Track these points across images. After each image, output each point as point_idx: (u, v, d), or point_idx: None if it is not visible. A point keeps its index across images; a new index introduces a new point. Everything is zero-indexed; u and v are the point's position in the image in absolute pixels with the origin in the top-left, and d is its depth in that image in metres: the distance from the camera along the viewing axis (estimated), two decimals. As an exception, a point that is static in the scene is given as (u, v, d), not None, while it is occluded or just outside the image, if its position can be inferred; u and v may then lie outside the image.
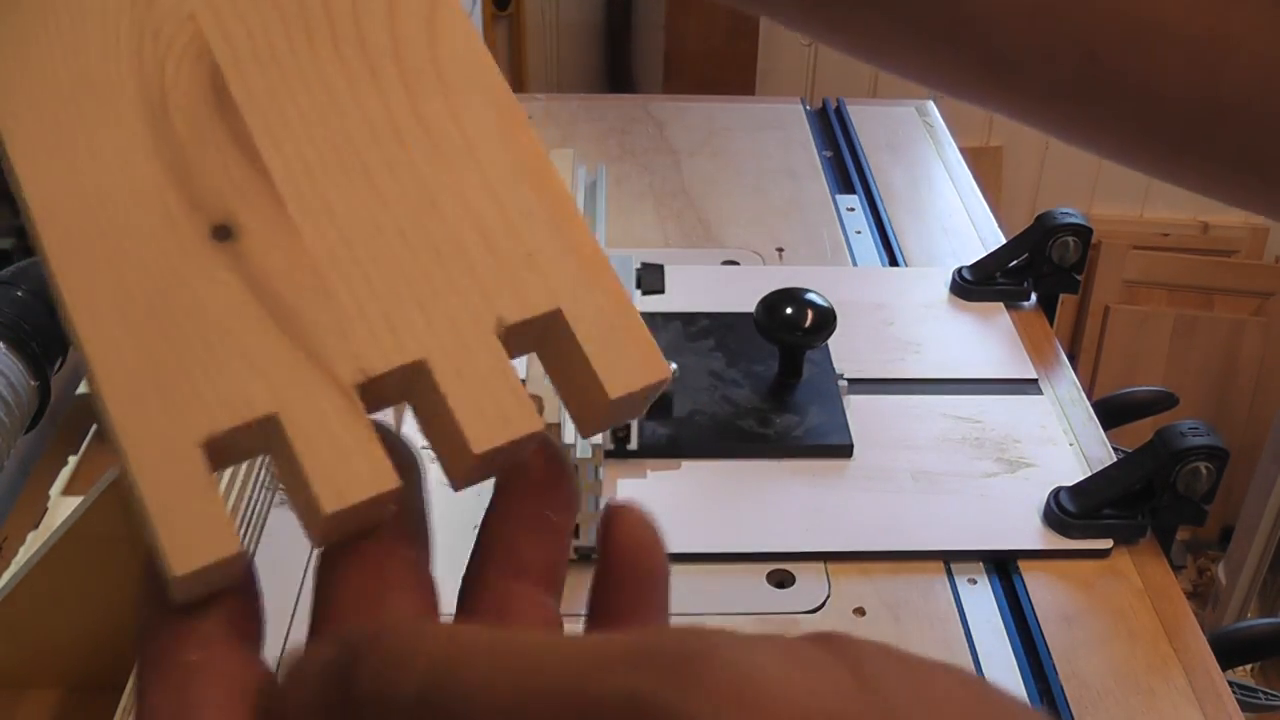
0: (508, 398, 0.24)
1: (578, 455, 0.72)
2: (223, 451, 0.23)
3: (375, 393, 0.24)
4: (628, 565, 0.24)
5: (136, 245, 0.24)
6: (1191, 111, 0.32)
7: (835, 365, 0.91)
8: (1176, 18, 0.30)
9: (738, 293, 0.98)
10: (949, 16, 0.33)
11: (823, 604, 0.75)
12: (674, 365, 0.91)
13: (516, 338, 0.25)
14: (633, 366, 0.24)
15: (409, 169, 0.26)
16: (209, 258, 0.24)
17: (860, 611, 0.75)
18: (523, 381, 0.25)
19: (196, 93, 0.26)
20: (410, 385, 0.24)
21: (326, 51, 0.27)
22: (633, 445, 0.83)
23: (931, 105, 1.39)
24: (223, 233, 0.25)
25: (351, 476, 0.22)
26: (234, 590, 0.23)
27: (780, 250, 1.13)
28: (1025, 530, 0.80)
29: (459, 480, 0.24)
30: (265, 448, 0.24)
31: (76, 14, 0.27)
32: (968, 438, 0.88)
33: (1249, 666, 1.87)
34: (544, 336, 0.25)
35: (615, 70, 2.34)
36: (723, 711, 0.15)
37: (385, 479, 0.23)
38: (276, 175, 0.25)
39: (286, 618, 0.67)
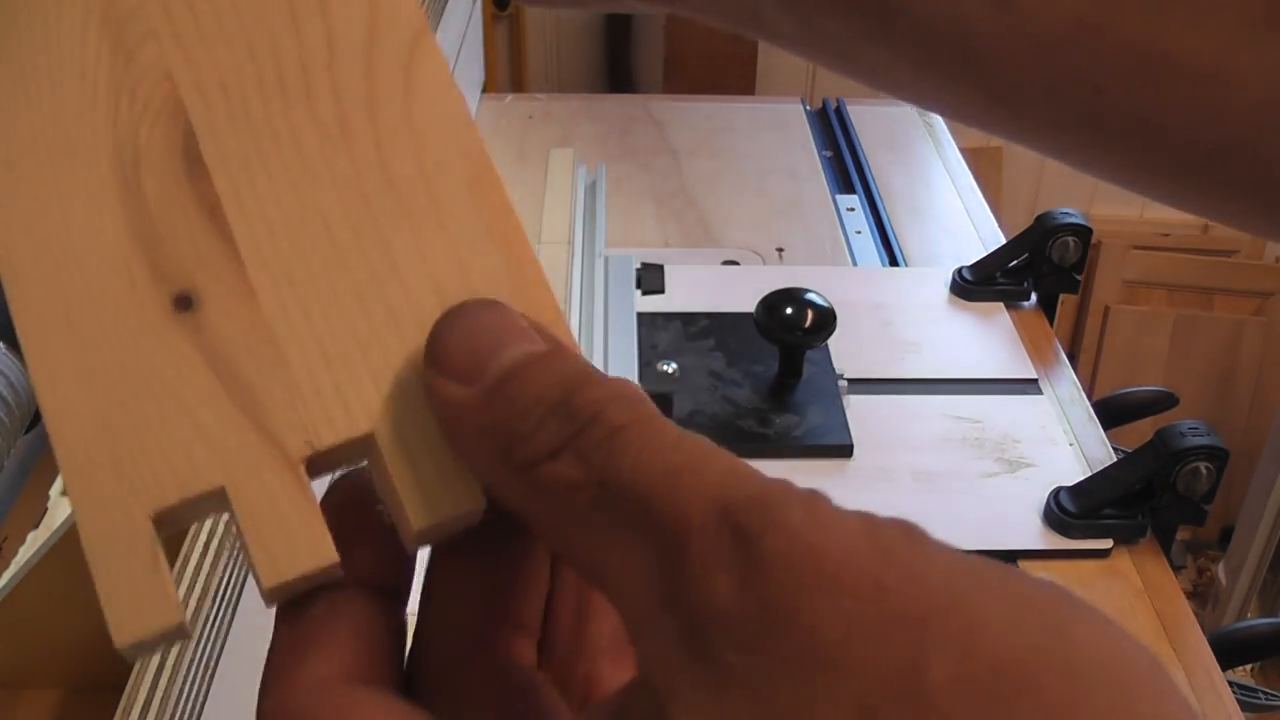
0: (452, 476, 0.24)
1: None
2: (173, 519, 0.24)
3: (324, 462, 0.24)
4: None
5: (100, 314, 0.25)
6: (1195, 145, 0.32)
7: (835, 365, 0.91)
8: (1183, 56, 0.31)
9: (738, 293, 0.98)
10: (954, 50, 0.33)
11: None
12: (674, 365, 0.91)
13: None
14: None
15: (373, 232, 0.26)
16: (169, 329, 0.25)
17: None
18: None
19: (168, 156, 0.26)
20: (361, 454, 0.25)
21: (300, 108, 0.27)
22: (633, 445, 0.83)
23: (931, 105, 1.38)
24: (184, 302, 0.25)
25: (290, 552, 0.23)
26: (370, 545, 0.24)
27: (780, 250, 1.13)
28: (1025, 530, 0.80)
29: (407, 545, 0.24)
30: (217, 513, 0.24)
31: (56, 74, 0.27)
32: (968, 438, 0.88)
33: (1249, 666, 1.87)
34: None
35: (615, 70, 2.34)
36: (800, 522, 0.19)
37: (323, 555, 0.23)
38: (240, 240, 0.25)
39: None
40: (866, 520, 0.19)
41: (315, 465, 0.24)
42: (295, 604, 0.24)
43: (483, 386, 0.23)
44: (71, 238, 0.25)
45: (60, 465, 0.24)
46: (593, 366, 0.23)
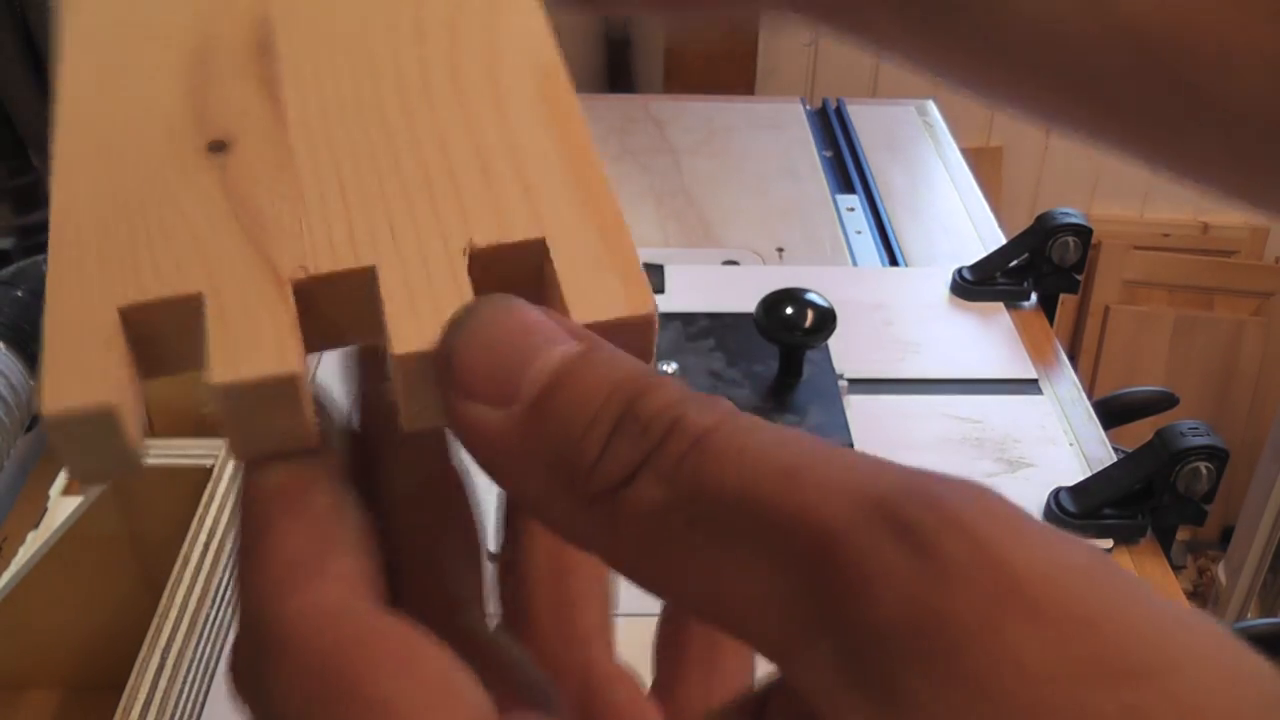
0: (451, 308, 0.22)
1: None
2: (145, 322, 0.22)
3: (317, 291, 0.23)
4: None
5: (133, 146, 0.25)
6: (1270, 130, 0.32)
7: (835, 365, 0.91)
8: (1266, 41, 0.31)
9: (738, 293, 0.98)
10: (1029, 39, 0.33)
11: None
12: (674, 365, 0.91)
13: (496, 265, 0.23)
14: (609, 298, 0.22)
15: (428, 120, 0.25)
16: (195, 163, 0.25)
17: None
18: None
19: (241, 41, 0.27)
20: (360, 295, 0.23)
21: (377, 9, 0.27)
22: (633, 445, 0.83)
23: (931, 105, 1.39)
24: (217, 146, 0.25)
25: (253, 352, 0.21)
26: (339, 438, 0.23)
27: (780, 250, 1.13)
28: (1025, 530, 0.80)
29: (405, 423, 0.22)
30: (188, 334, 0.22)
31: None
32: (968, 438, 0.88)
33: (1249, 666, 1.86)
34: (528, 267, 0.23)
35: (615, 70, 2.34)
36: (980, 522, 0.16)
37: (289, 361, 0.21)
38: (290, 110, 0.25)
39: None
40: (1053, 533, 0.17)
41: (306, 293, 0.22)
42: (303, 498, 0.21)
43: (522, 406, 0.19)
44: (126, 91, 0.26)
45: (49, 256, 0.23)
46: (642, 363, 0.20)
